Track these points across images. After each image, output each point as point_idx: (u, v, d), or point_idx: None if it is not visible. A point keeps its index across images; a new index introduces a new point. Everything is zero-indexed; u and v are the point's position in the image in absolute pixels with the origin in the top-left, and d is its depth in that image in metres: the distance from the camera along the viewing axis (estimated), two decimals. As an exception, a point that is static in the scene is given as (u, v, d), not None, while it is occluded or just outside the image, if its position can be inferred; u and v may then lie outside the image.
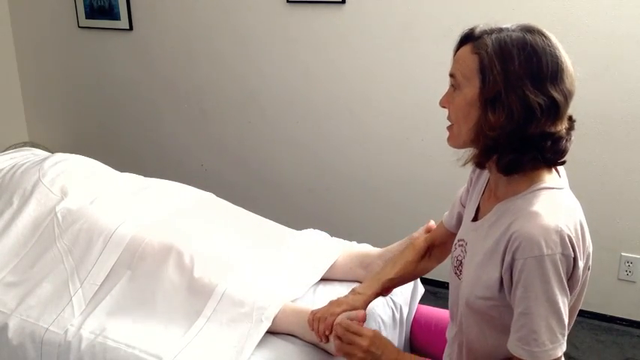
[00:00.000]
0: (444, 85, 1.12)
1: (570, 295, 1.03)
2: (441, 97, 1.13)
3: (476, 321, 1.15)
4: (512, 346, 1.04)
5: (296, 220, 2.38)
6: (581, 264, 1.03)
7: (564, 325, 1.01)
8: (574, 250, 1.00)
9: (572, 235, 1.00)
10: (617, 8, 2.19)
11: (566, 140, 1.05)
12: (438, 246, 1.48)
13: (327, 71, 2.74)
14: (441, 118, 2.47)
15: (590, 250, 1.09)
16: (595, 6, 2.21)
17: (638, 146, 2.30)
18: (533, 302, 0.99)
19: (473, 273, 1.12)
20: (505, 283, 1.05)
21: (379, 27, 2.57)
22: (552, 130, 1.02)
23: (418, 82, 2.56)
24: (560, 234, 0.98)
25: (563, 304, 1.00)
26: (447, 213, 1.44)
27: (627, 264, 2.43)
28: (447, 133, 1.14)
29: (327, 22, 2.66)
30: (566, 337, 1.02)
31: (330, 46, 2.69)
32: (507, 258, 1.03)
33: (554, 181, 1.08)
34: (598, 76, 2.26)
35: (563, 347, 1.02)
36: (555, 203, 1.04)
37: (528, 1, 2.29)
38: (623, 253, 2.43)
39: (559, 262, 0.98)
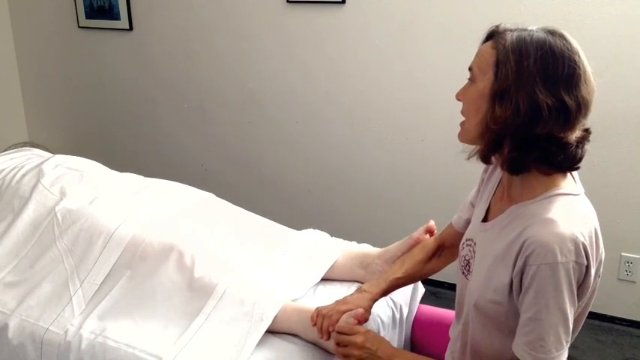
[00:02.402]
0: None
1: (579, 301, 1.04)
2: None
3: (482, 323, 1.15)
4: (518, 349, 1.04)
5: (296, 220, 2.38)
6: (593, 271, 1.03)
7: (570, 332, 1.02)
8: (587, 259, 1.00)
9: (587, 243, 1.00)
10: (617, 8, 2.19)
11: (576, 147, 1.04)
12: (447, 247, 1.48)
13: (327, 71, 2.74)
14: (441, 118, 2.47)
15: (603, 256, 1.08)
16: (595, 6, 2.21)
17: (638, 146, 2.30)
18: (543, 309, 1.00)
19: (483, 276, 1.12)
20: (514, 287, 1.05)
21: (379, 27, 2.56)
22: (561, 135, 1.02)
23: (418, 82, 2.55)
24: (575, 242, 0.98)
25: (571, 312, 1.01)
26: (457, 214, 1.43)
27: (627, 264, 2.43)
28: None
29: (327, 22, 2.66)
30: (570, 343, 1.03)
31: (330, 46, 2.69)
32: (519, 263, 1.02)
33: (570, 186, 1.07)
34: (598, 76, 2.25)
35: (567, 353, 1.03)
36: (571, 210, 1.04)
37: (528, 1, 2.29)
38: (623, 253, 2.43)
39: (572, 271, 0.98)
